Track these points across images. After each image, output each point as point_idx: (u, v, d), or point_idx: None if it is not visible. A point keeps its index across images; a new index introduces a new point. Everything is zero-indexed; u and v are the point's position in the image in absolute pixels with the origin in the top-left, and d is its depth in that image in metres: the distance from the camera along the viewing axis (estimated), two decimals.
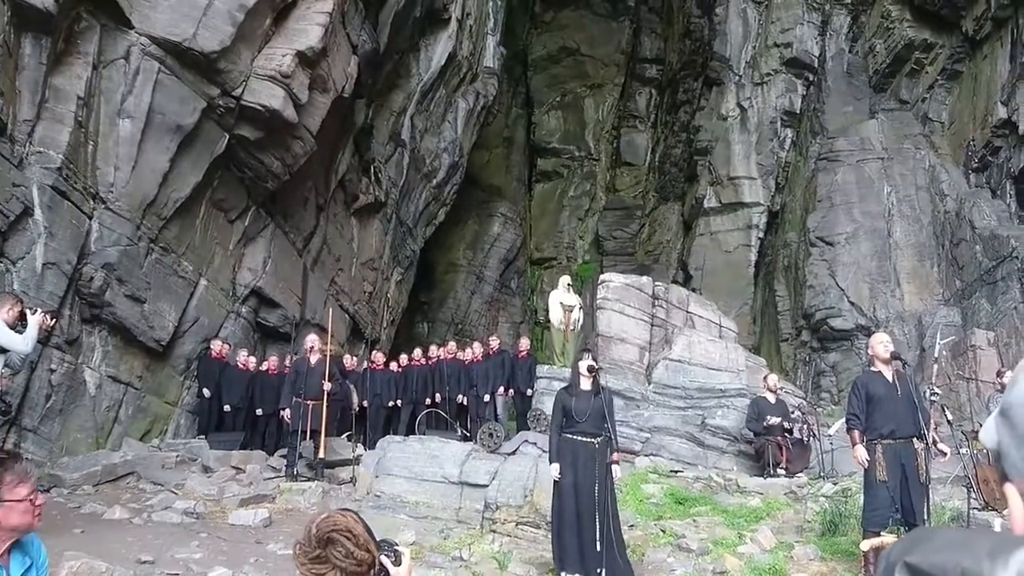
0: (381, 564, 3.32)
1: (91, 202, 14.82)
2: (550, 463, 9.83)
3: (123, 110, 15.32)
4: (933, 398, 10.17)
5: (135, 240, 15.73)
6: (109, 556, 8.53)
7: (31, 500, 3.95)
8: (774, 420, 16.31)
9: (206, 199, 18.13)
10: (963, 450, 12.12)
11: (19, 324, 9.27)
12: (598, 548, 9.14)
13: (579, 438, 9.74)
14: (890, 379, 9.54)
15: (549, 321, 21.12)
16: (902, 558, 1.49)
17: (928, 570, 1.44)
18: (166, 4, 15.67)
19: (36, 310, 9.50)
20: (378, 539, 3.42)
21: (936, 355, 13.07)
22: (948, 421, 10.97)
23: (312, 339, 15.51)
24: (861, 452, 9.37)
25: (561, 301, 19.79)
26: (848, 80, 32.91)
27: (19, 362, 9.72)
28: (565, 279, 20.84)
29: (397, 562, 3.37)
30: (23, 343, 9.19)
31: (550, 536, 10.01)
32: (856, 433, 9.48)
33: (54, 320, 10.04)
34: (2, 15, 12.70)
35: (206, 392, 18.00)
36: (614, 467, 9.96)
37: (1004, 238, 24.10)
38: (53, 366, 13.99)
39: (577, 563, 9.33)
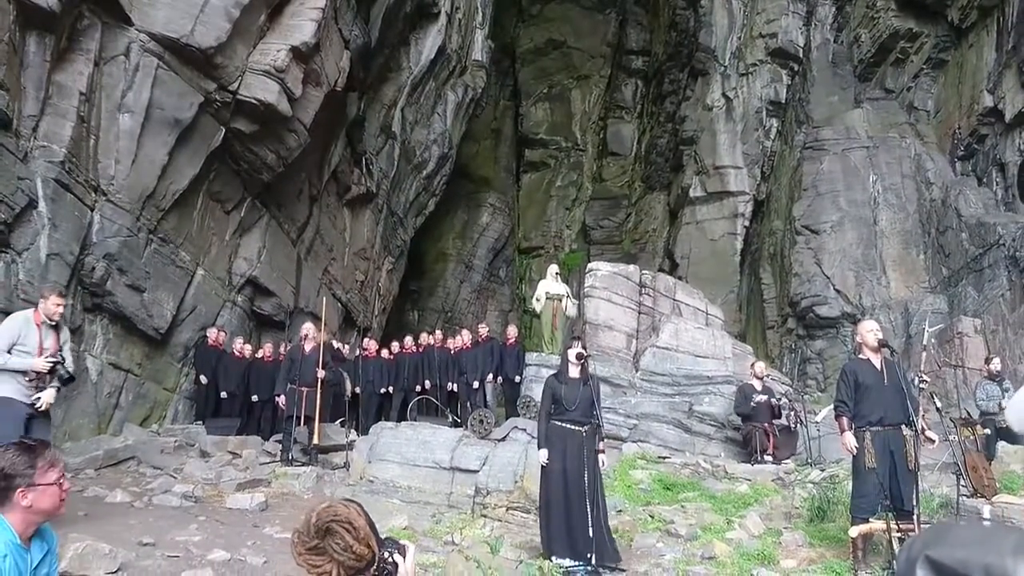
0: (384, 560, 3.26)
1: (93, 194, 14.99)
2: (539, 448, 9.94)
3: (123, 105, 15.51)
4: (922, 385, 10.18)
5: (135, 231, 15.92)
6: (112, 538, 8.60)
7: (59, 484, 4.23)
8: (761, 397, 16.42)
9: (203, 191, 18.35)
10: (952, 437, 12.27)
11: (55, 323, 9.37)
12: (591, 534, 9.21)
13: (568, 426, 9.84)
14: (878, 367, 9.55)
15: (533, 308, 21.17)
16: (923, 552, 1.60)
17: (951, 565, 1.54)
18: (165, 1, 15.83)
19: (55, 361, 9.15)
20: (384, 539, 3.35)
21: (924, 342, 13.24)
22: (937, 408, 11.05)
23: (308, 327, 15.70)
24: (850, 439, 9.34)
25: (547, 291, 19.85)
26: (833, 70, 32.89)
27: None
28: (553, 268, 20.74)
29: (401, 557, 3.31)
30: None
31: (539, 522, 10.09)
32: (845, 420, 9.48)
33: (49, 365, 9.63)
34: (7, 14, 12.85)
35: (203, 379, 18.27)
36: (600, 456, 10.03)
37: (991, 225, 24.09)
38: None
39: (565, 548, 9.43)
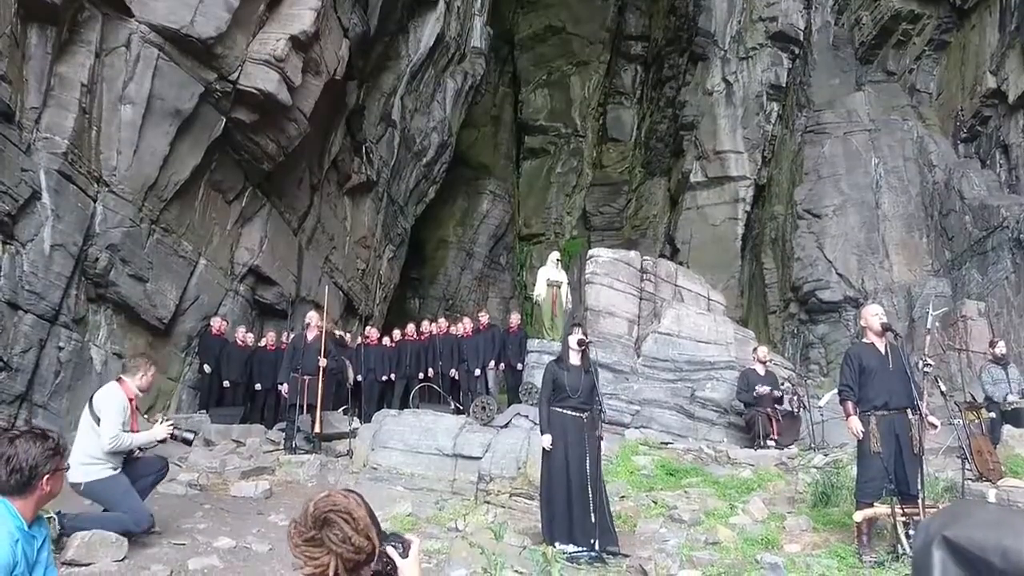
0: (387, 555, 3.18)
1: (95, 185, 15.07)
2: (541, 434, 9.92)
3: (124, 96, 15.57)
4: (926, 369, 10.17)
5: (137, 222, 16.00)
6: None
7: (65, 469, 4.47)
8: (763, 389, 16.37)
9: (204, 181, 18.43)
10: (956, 421, 12.29)
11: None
12: (593, 520, 9.25)
13: (569, 412, 9.84)
14: (883, 351, 9.50)
15: (534, 296, 21.21)
16: (940, 532, 1.58)
17: (967, 546, 1.54)
18: None
19: (174, 425, 9.08)
20: (387, 533, 3.28)
21: (929, 326, 13.14)
22: (941, 392, 11.02)
23: (312, 316, 15.75)
24: (855, 423, 9.29)
25: (548, 277, 19.85)
26: (834, 53, 32.65)
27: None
28: (554, 255, 20.76)
29: (405, 554, 3.23)
30: (106, 439, 8.43)
31: (540, 507, 10.08)
32: (849, 404, 9.43)
33: (188, 441, 9.64)
34: (9, 6, 12.89)
35: (207, 368, 18.34)
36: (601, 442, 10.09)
37: (994, 208, 23.79)
38: (61, 344, 14.22)
39: (566, 534, 9.44)
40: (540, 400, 10.39)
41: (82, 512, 8.46)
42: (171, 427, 8.98)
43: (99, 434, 8.49)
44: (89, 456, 8.49)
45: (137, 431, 8.84)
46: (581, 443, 9.71)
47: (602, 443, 10.19)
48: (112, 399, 8.66)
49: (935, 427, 9.44)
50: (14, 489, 4.15)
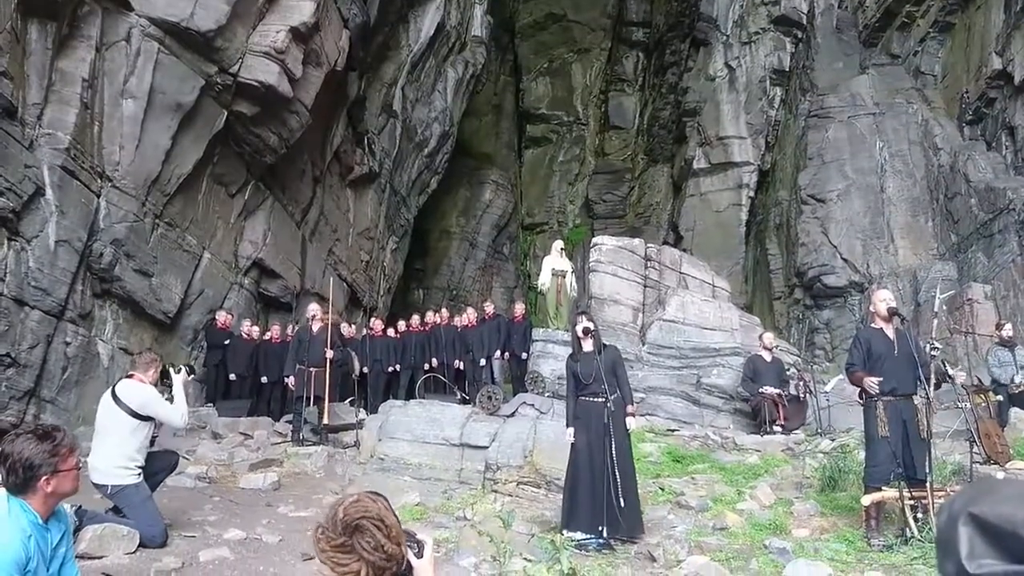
0: (405, 558, 3.07)
1: (98, 181, 15.03)
2: (567, 427, 10.12)
3: (126, 90, 15.52)
4: (934, 353, 10.20)
5: (141, 216, 15.97)
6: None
7: (77, 467, 4.44)
8: (771, 391, 16.38)
9: (207, 174, 18.39)
10: (964, 404, 12.25)
11: (160, 383, 9.36)
12: (622, 503, 9.35)
13: (589, 399, 9.98)
14: (891, 336, 9.53)
15: (538, 285, 21.25)
16: (966, 508, 1.54)
17: (994, 521, 1.49)
18: None
19: (180, 369, 9.42)
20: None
21: (936, 309, 13.11)
22: (949, 376, 11.01)
23: (314, 308, 15.81)
24: (870, 378, 9.21)
25: (553, 267, 19.87)
26: (838, 36, 32.48)
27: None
28: (558, 244, 20.78)
29: (420, 554, 3.16)
30: (179, 419, 9.07)
31: (561, 494, 10.17)
32: (859, 373, 9.40)
33: (191, 375, 10.00)
34: (9, 2, 12.86)
35: (215, 356, 18.39)
36: (629, 419, 10.12)
37: (1000, 190, 23.61)
38: (68, 339, 14.23)
39: (587, 522, 9.52)
40: (567, 395, 10.57)
41: (100, 514, 8.48)
42: (186, 373, 9.46)
43: (142, 431, 8.78)
44: (127, 459, 8.65)
45: None
46: (603, 427, 9.80)
47: (631, 420, 10.22)
48: (149, 393, 8.85)
49: (953, 379, 9.42)
50: (15, 488, 4.18)
